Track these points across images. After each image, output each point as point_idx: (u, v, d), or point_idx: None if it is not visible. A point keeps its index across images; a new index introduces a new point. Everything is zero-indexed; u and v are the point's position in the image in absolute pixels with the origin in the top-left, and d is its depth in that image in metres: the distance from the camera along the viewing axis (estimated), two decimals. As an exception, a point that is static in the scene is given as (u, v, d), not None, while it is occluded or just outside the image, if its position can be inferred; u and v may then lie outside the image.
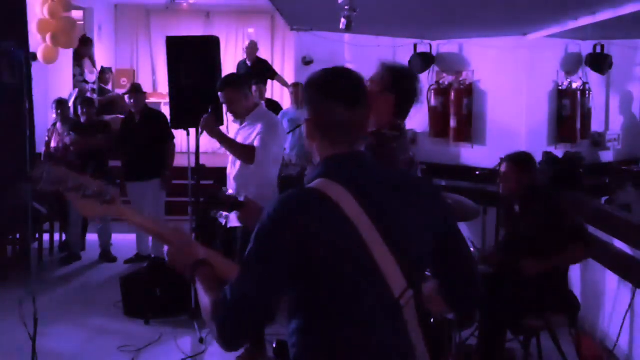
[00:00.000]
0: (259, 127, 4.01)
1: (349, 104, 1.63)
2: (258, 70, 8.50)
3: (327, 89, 1.66)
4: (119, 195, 1.83)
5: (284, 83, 8.96)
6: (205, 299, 1.62)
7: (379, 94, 2.63)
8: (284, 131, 4.30)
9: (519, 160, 3.97)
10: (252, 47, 8.54)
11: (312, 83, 1.70)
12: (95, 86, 8.53)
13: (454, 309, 1.85)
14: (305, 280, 1.54)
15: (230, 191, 4.04)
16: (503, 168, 4.00)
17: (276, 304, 1.55)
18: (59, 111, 6.61)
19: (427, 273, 1.77)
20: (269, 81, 9.91)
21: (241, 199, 2.36)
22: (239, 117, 4.13)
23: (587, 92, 7.13)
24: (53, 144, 6.65)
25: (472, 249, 3.21)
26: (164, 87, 8.69)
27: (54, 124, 6.71)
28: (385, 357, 1.58)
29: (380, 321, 1.56)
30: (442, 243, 1.68)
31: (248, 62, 8.56)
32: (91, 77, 8.56)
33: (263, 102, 4.26)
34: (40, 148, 6.60)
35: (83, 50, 8.43)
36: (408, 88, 2.71)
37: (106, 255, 6.57)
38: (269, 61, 10.06)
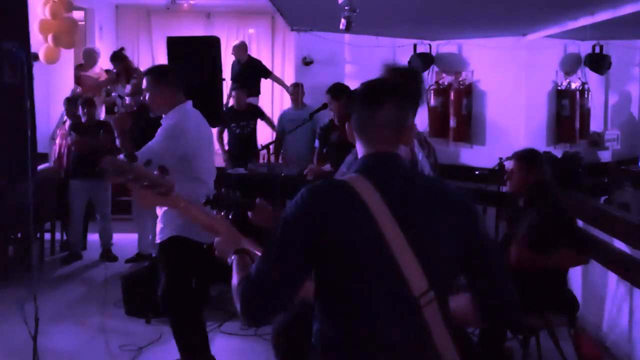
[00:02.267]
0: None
1: (369, 104, 1.73)
2: (250, 70, 8.49)
3: (355, 95, 1.78)
4: (173, 187, 1.92)
5: (280, 82, 8.95)
6: (234, 280, 1.74)
7: None
8: (184, 138, 3.63)
9: (527, 158, 3.97)
10: (240, 47, 8.51)
11: (351, 88, 1.88)
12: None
13: (486, 322, 1.84)
14: (322, 267, 1.63)
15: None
16: (510, 165, 4.00)
17: (294, 285, 1.64)
18: (68, 110, 6.63)
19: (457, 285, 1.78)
20: (269, 81, 9.93)
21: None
22: (152, 110, 3.86)
23: (586, 92, 7.15)
24: (57, 140, 6.68)
25: None
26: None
27: (64, 122, 6.73)
28: (394, 353, 1.62)
29: (394, 316, 1.61)
30: (472, 256, 1.71)
31: (239, 62, 8.55)
32: (128, 86, 8.47)
33: (188, 104, 3.80)
34: (41, 148, 6.61)
35: (121, 66, 8.15)
36: (413, 90, 2.68)
37: (107, 254, 6.59)
38: (269, 61, 10.08)
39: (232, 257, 1.86)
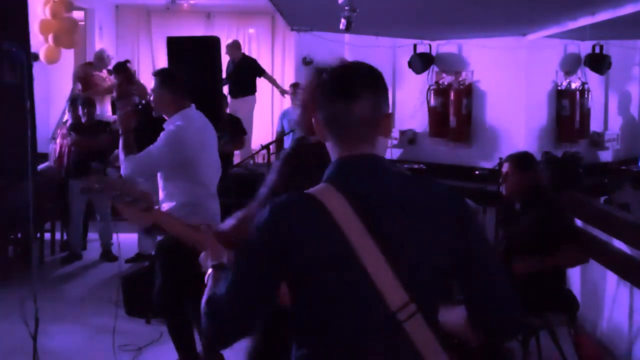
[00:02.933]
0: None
1: (343, 97, 1.51)
2: (245, 69, 8.48)
3: (323, 84, 1.57)
4: (153, 202, 1.91)
5: (273, 82, 8.92)
6: (205, 296, 1.62)
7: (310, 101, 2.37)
8: (184, 145, 3.63)
9: (521, 161, 3.98)
10: (233, 46, 8.48)
11: (317, 79, 1.67)
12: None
13: (484, 334, 1.63)
14: (293, 287, 1.51)
15: None
16: (505, 168, 4.01)
17: (258, 309, 1.52)
18: (71, 110, 6.63)
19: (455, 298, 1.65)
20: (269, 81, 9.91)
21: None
22: (155, 111, 3.91)
23: (586, 93, 7.15)
24: (58, 140, 6.68)
25: None
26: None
27: (65, 122, 6.72)
28: None
29: (372, 335, 1.49)
30: (465, 263, 1.56)
31: (233, 62, 8.54)
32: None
33: (192, 108, 3.85)
34: (41, 148, 6.61)
35: (122, 77, 8.09)
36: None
37: (107, 254, 6.59)
38: (269, 61, 10.08)
39: (209, 272, 1.76)
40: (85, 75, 8.27)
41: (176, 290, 3.76)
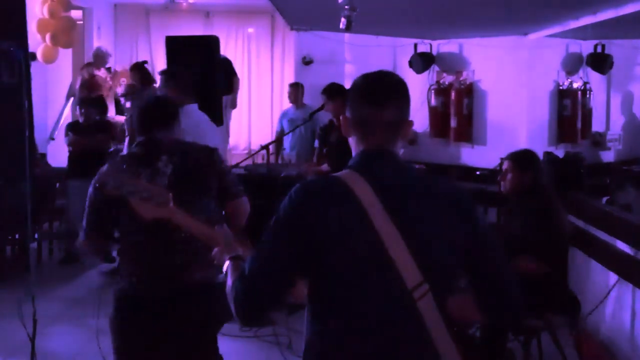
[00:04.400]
0: None
1: (373, 104, 1.71)
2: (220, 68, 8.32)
3: (356, 89, 1.76)
4: (170, 199, 1.99)
5: (234, 93, 8.37)
6: (229, 282, 1.76)
7: None
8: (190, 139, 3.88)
9: (521, 159, 3.95)
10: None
11: (352, 84, 1.80)
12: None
13: (488, 317, 1.81)
14: (314, 263, 1.63)
15: None
16: (505, 166, 3.99)
17: (286, 283, 1.66)
18: (82, 110, 6.62)
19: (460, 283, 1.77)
20: (268, 80, 9.89)
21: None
22: None
23: (588, 92, 7.13)
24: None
25: None
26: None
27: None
28: (391, 345, 1.63)
29: (389, 309, 1.62)
30: (471, 250, 1.71)
31: None
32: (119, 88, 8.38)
33: (194, 106, 3.95)
34: (40, 148, 6.59)
35: (137, 77, 7.99)
36: None
37: (106, 255, 6.55)
38: (269, 61, 10.05)
39: (227, 264, 1.88)
40: (89, 77, 8.27)
41: None
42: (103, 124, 6.63)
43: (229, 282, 1.76)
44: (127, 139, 3.81)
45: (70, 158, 6.54)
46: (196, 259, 2.68)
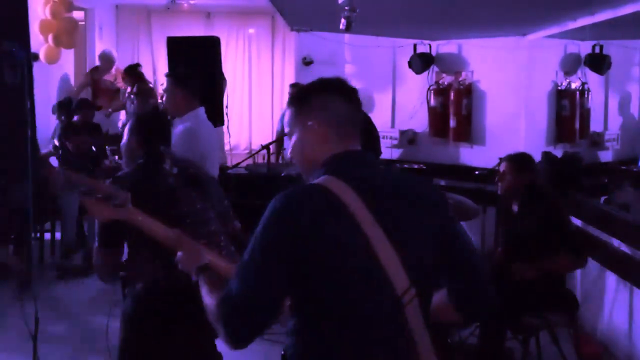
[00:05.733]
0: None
1: (347, 98, 1.71)
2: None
3: (327, 85, 1.74)
4: (128, 200, 1.90)
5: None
6: (208, 300, 1.65)
7: None
8: (198, 142, 3.78)
9: (517, 160, 3.99)
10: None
11: (310, 87, 1.76)
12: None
13: (464, 315, 1.77)
14: (307, 275, 1.55)
15: None
16: (501, 168, 4.02)
17: (280, 299, 1.56)
18: (60, 114, 6.65)
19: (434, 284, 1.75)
20: (269, 80, 9.91)
21: None
22: (169, 113, 3.95)
23: (586, 93, 7.14)
24: None
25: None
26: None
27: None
28: (387, 354, 1.58)
29: (382, 318, 1.57)
30: (447, 249, 1.69)
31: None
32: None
33: (201, 110, 4.01)
34: (43, 148, 6.61)
35: (132, 81, 7.90)
36: None
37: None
38: (269, 61, 10.09)
39: (197, 277, 1.80)
40: (93, 82, 8.29)
41: None
42: (92, 126, 6.67)
43: (209, 299, 1.64)
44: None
45: (60, 159, 6.54)
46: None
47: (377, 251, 1.54)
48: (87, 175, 2.54)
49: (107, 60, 8.35)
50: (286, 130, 1.79)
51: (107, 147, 6.67)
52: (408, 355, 1.59)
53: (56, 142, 6.62)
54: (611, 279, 4.49)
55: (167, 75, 4.03)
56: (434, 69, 7.62)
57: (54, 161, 6.72)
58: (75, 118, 6.66)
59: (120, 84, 8.29)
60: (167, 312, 2.70)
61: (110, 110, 8.13)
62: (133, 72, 7.92)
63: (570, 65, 7.19)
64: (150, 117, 2.99)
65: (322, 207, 1.55)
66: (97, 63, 8.58)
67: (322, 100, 1.71)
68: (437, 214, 1.68)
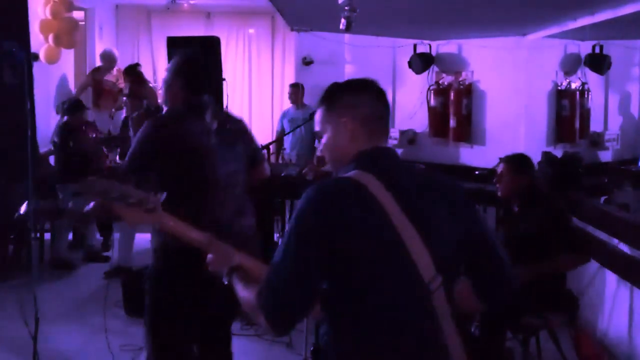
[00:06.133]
0: None
1: (379, 101, 1.79)
2: None
3: (358, 85, 1.81)
4: (160, 204, 1.89)
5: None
6: (245, 294, 1.75)
7: None
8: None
9: (514, 162, 4.00)
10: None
11: (341, 86, 1.82)
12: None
13: (488, 304, 1.86)
14: (340, 263, 1.61)
15: None
16: (499, 169, 4.03)
17: (316, 286, 1.63)
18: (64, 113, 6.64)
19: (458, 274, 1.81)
20: (269, 80, 9.91)
21: None
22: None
23: (586, 93, 7.14)
24: None
25: None
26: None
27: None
28: (417, 340, 1.65)
29: (411, 305, 1.65)
30: (474, 244, 1.77)
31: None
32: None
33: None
34: (43, 148, 6.62)
35: (130, 80, 7.90)
36: None
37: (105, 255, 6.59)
38: (269, 61, 10.09)
39: (228, 278, 1.86)
40: (94, 83, 8.28)
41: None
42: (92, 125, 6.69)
43: (246, 293, 1.73)
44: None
45: (56, 162, 6.54)
46: (245, 206, 2.87)
47: (405, 240, 1.62)
48: (87, 175, 2.56)
49: (108, 59, 8.34)
50: (316, 129, 1.83)
51: (107, 147, 6.65)
52: (436, 341, 1.66)
53: (55, 139, 6.63)
54: (611, 279, 4.49)
55: (166, 72, 4.01)
56: (434, 69, 7.62)
57: (53, 160, 6.73)
58: (66, 118, 6.65)
59: (122, 84, 8.29)
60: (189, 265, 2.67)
61: (113, 110, 8.12)
62: (132, 72, 7.93)
63: (570, 65, 7.19)
64: (197, 60, 2.95)
65: (354, 199, 1.63)
66: (97, 63, 8.57)
67: (353, 99, 1.78)
68: (461, 207, 1.76)
